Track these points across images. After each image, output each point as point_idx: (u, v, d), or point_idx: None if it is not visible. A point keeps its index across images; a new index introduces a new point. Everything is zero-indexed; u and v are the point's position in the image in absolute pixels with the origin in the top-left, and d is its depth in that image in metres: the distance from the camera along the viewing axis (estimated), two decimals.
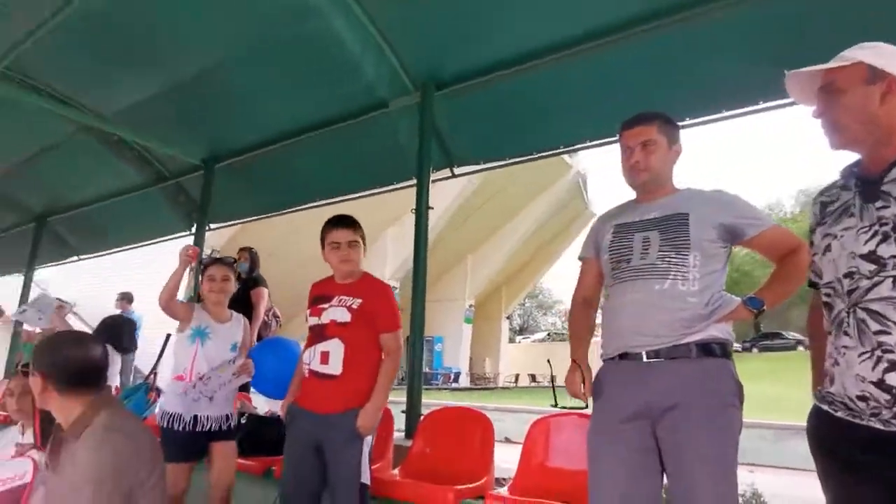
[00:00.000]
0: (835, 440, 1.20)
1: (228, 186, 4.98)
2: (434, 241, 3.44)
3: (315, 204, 4.74)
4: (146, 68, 4.09)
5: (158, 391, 3.98)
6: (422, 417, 2.95)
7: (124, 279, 9.93)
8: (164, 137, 4.82)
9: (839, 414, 1.18)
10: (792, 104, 2.63)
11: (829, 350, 1.25)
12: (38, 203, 6.80)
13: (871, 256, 1.14)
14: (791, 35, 2.59)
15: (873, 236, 1.15)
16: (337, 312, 2.22)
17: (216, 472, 2.52)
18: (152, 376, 3.94)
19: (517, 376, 26.96)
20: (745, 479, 1.54)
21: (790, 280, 1.58)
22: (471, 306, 25.21)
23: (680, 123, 1.81)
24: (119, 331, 3.77)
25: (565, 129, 3.56)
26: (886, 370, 1.09)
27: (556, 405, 1.90)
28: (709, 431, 1.45)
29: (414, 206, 3.41)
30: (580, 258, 1.89)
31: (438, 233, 16.11)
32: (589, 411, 1.70)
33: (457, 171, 4.00)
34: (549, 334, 46.86)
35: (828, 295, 1.26)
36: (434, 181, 3.55)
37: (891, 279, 1.11)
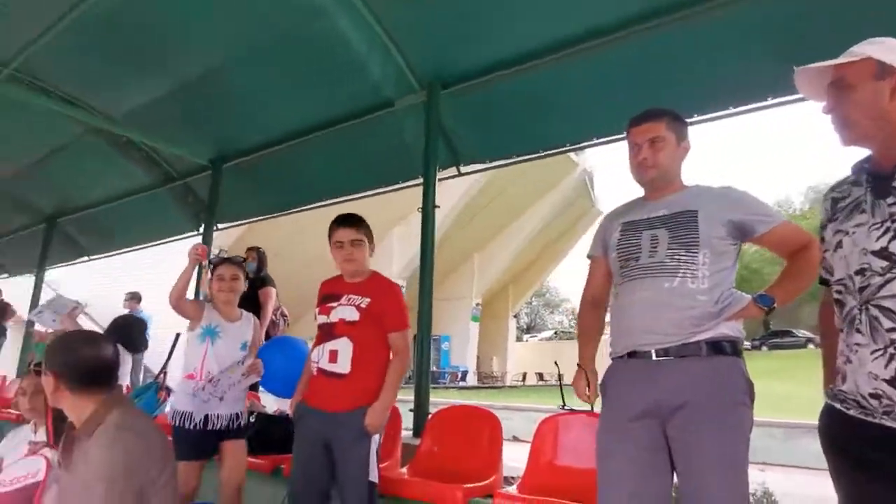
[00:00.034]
0: (847, 438, 1.19)
1: (236, 186, 5.01)
2: (440, 240, 3.44)
3: (322, 203, 4.76)
4: (154, 69, 4.12)
5: (168, 390, 4.02)
6: (430, 416, 2.96)
7: (134, 279, 10.00)
8: (172, 138, 4.85)
9: (851, 412, 1.17)
10: (801, 100, 2.63)
11: (841, 348, 1.24)
12: (48, 204, 6.87)
13: (883, 253, 1.13)
14: (799, 31, 2.57)
15: (885, 233, 1.13)
16: (346, 311, 2.23)
17: (226, 470, 2.54)
18: (162, 375, 3.97)
19: (525, 375, 26.92)
20: (756, 478, 1.52)
21: (801, 277, 1.57)
22: (478, 305, 25.19)
23: (688, 120, 1.79)
24: (130, 330, 3.80)
25: (572, 127, 3.55)
26: None
27: (563, 406, 1.90)
28: (719, 430, 1.44)
29: (420, 206, 3.41)
30: (588, 257, 1.88)
31: (445, 231, 16.09)
32: (598, 410, 1.70)
33: (463, 169, 4.00)
34: (556, 333, 46.74)
35: (839, 292, 1.24)
36: (440, 180, 3.55)
37: None
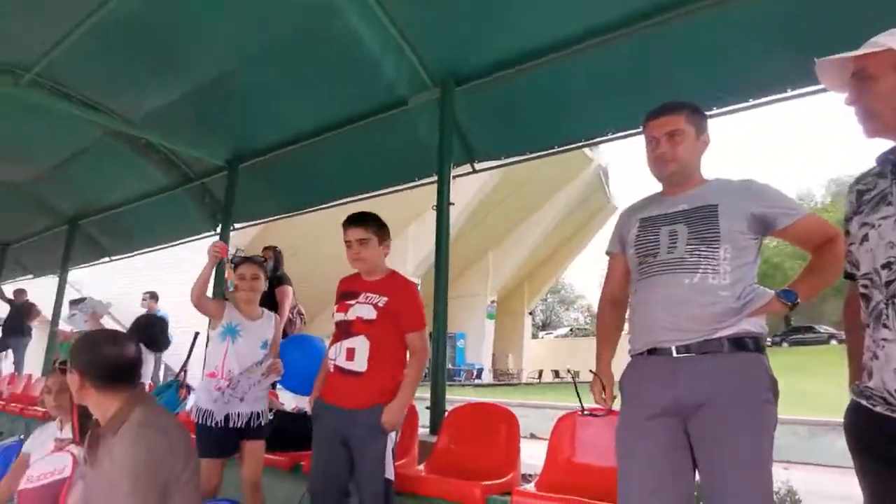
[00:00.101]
0: (872, 435, 1.17)
1: (252, 186, 5.06)
2: (455, 238, 3.43)
3: (337, 202, 4.78)
4: (171, 72, 4.18)
5: (189, 388, 4.08)
6: (446, 413, 2.96)
7: (154, 279, 10.15)
8: (190, 140, 4.92)
9: (878, 409, 1.15)
10: (821, 91, 2.58)
11: (867, 343, 1.21)
12: (70, 206, 7.01)
13: None
14: (820, 21, 2.51)
15: None
16: (363, 310, 2.23)
17: (244, 469, 2.57)
18: (182, 373, 4.03)
19: (541, 372, 26.82)
20: (780, 476, 1.50)
21: (826, 271, 1.53)
22: (493, 302, 25.14)
23: (706, 114, 1.76)
24: (152, 329, 3.86)
25: (587, 122, 3.53)
26: None
27: (583, 412, 1.89)
28: (742, 427, 1.42)
29: (435, 203, 3.41)
30: (607, 253, 1.86)
31: (459, 229, 16.09)
32: (617, 407, 1.68)
33: (478, 166, 4.00)
34: (571, 329, 46.46)
35: (865, 286, 1.22)
36: (455, 177, 3.55)
37: None
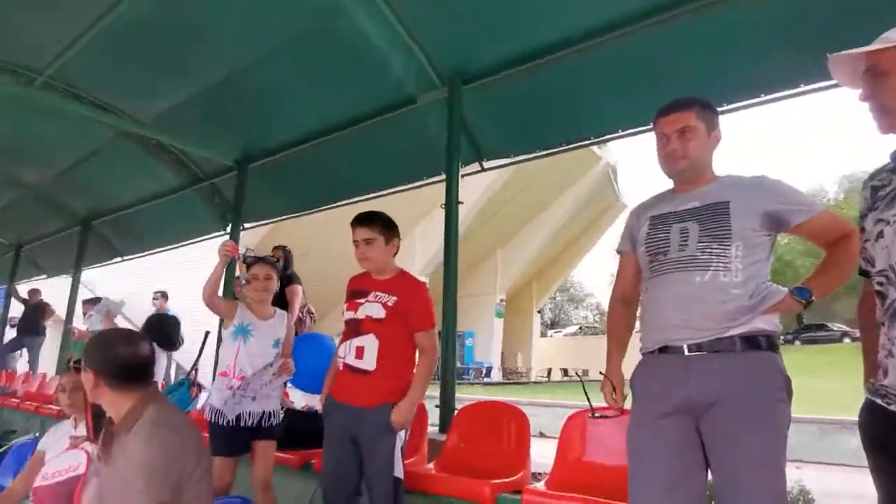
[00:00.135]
0: (888, 434, 1.15)
1: (261, 186, 5.09)
2: (463, 236, 3.43)
3: (346, 202, 4.80)
4: (180, 73, 4.21)
5: (200, 386, 4.11)
6: (456, 412, 2.96)
7: (164, 279, 10.25)
8: (199, 140, 4.96)
9: (893, 407, 1.14)
10: (834, 87, 2.54)
11: (882, 341, 1.19)
12: (83, 207, 7.10)
13: None
14: (832, 16, 2.48)
15: None
16: (373, 308, 2.24)
17: (255, 468, 2.59)
18: (194, 372, 4.07)
19: (549, 371, 26.76)
20: (792, 475, 1.48)
21: (840, 268, 1.51)
22: (501, 301, 25.12)
23: (718, 109, 1.74)
24: (165, 329, 3.90)
25: (595, 120, 3.51)
26: None
27: (593, 413, 1.88)
28: (755, 426, 1.40)
29: (443, 202, 3.41)
30: (617, 252, 1.85)
31: (467, 227, 16.09)
32: (628, 406, 1.68)
33: (486, 164, 3.99)
34: (580, 328, 46.31)
35: (881, 283, 1.20)
36: (463, 176, 3.55)
37: None
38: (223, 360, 2.64)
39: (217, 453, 2.52)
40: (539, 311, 32.31)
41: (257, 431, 2.58)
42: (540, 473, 2.61)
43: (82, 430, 2.35)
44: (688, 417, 1.49)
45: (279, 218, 5.68)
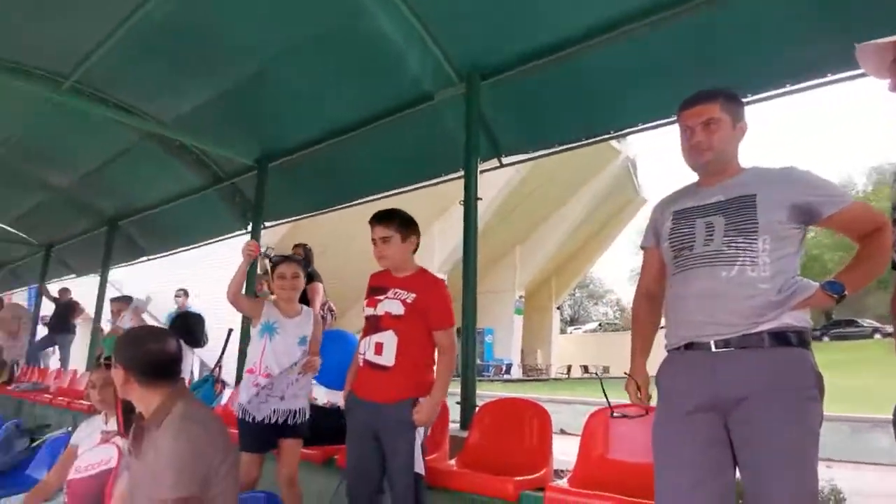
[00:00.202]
0: None
1: (281, 185, 5.15)
2: (482, 232, 3.42)
3: (365, 200, 4.82)
4: (201, 74, 4.28)
5: (224, 383, 4.18)
6: (477, 408, 2.96)
7: (189, 276, 10.43)
8: (220, 140, 5.03)
9: None
10: (862, 76, 2.47)
11: None
12: (109, 207, 7.26)
13: None
14: (861, 4, 2.41)
15: None
16: (392, 305, 2.25)
17: (281, 465, 2.62)
18: (218, 369, 4.14)
19: (569, 367, 26.59)
20: (824, 474, 1.44)
21: (873, 261, 1.47)
22: (521, 297, 25.02)
23: (743, 100, 1.70)
24: (191, 326, 3.97)
25: (616, 113, 3.47)
26: None
27: (612, 412, 1.87)
28: (785, 424, 1.37)
29: (462, 198, 3.40)
30: (641, 247, 1.82)
31: (486, 223, 16.04)
32: (652, 404, 1.65)
33: (504, 160, 3.97)
34: (600, 324, 45.90)
35: None
36: (481, 172, 3.53)
37: None
38: (250, 358, 2.68)
39: (244, 449, 2.56)
40: (558, 308, 32.11)
41: (284, 429, 2.61)
42: (562, 471, 2.59)
43: (113, 425, 2.41)
44: (715, 414, 1.46)
45: (299, 216, 5.73)
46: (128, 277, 10.52)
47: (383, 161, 4.52)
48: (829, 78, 2.67)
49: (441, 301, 2.27)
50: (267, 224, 5.41)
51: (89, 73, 4.36)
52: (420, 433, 2.19)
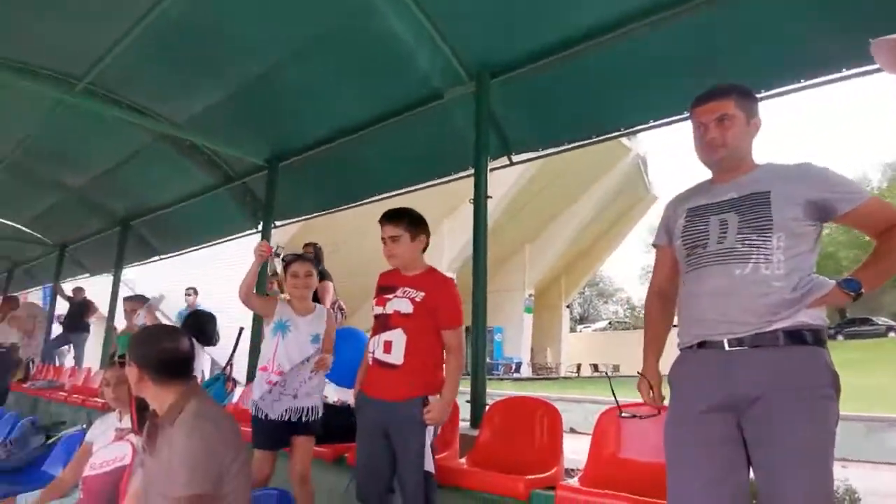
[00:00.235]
0: None
1: (291, 184, 5.17)
2: (491, 230, 3.41)
3: (374, 199, 4.83)
4: (212, 75, 4.31)
5: (235, 381, 4.21)
6: (487, 407, 2.96)
7: (200, 276, 10.52)
8: (231, 140, 5.06)
9: None
10: (877, 71, 2.43)
11: None
12: (122, 208, 7.35)
13: None
14: None
15: None
16: (401, 304, 2.25)
17: (293, 462, 2.63)
18: (229, 367, 4.17)
19: (579, 366, 26.51)
20: (839, 474, 1.42)
21: (891, 258, 1.44)
22: (530, 296, 24.96)
23: (757, 96, 1.68)
24: (204, 325, 4.00)
25: (627, 110, 3.44)
26: None
27: (621, 412, 1.86)
28: (800, 423, 1.35)
29: (472, 196, 3.40)
30: (653, 245, 1.81)
31: (495, 221, 16.00)
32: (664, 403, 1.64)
33: (514, 158, 3.95)
34: (610, 323, 45.70)
35: None
36: (491, 170, 3.52)
37: None
38: (263, 356, 2.70)
39: (257, 446, 2.58)
40: (568, 306, 32.00)
41: (297, 427, 2.62)
42: (573, 470, 2.58)
43: (127, 423, 2.44)
44: (729, 414, 1.45)
45: (309, 216, 5.76)
46: (140, 277, 10.63)
47: (393, 160, 4.52)
48: (844, 73, 2.63)
49: (450, 300, 2.27)
50: (277, 223, 5.44)
51: (102, 75, 4.41)
52: (430, 432, 2.19)
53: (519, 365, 24.06)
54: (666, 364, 1.65)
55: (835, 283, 1.43)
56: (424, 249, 2.39)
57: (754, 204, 1.50)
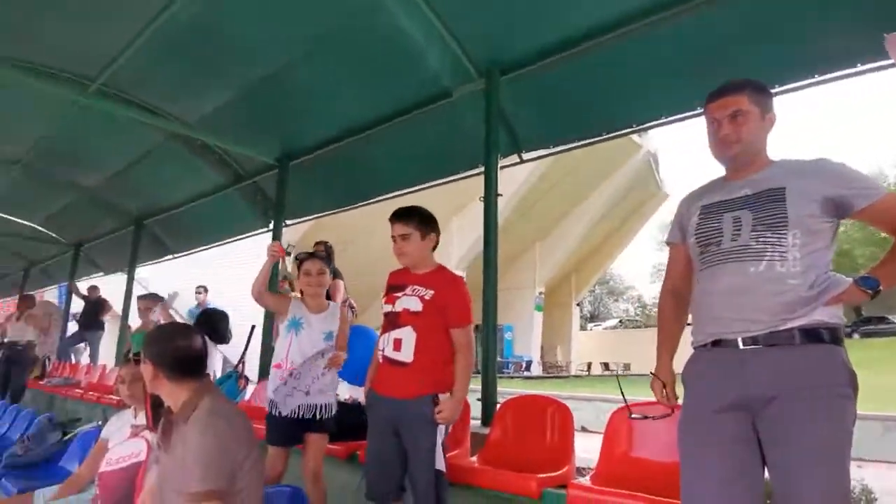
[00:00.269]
0: None
1: (302, 183, 5.19)
2: (501, 228, 3.40)
3: (384, 197, 4.84)
4: (223, 74, 4.34)
5: (247, 379, 4.24)
6: (498, 405, 2.95)
7: (210, 275, 10.61)
8: (241, 139, 5.09)
9: None
10: (892, 66, 2.39)
11: None
12: (135, 207, 7.42)
13: None
14: None
15: None
16: (410, 301, 2.25)
17: (306, 460, 2.65)
18: (241, 365, 4.21)
19: (589, 365, 26.39)
20: (854, 474, 1.40)
21: None
22: (540, 294, 24.89)
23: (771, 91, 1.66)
24: (216, 323, 4.03)
25: (638, 107, 3.41)
26: None
27: (630, 413, 1.85)
28: (816, 423, 1.34)
29: (482, 195, 3.39)
30: (667, 243, 1.79)
31: (505, 219, 15.93)
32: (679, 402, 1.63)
33: (525, 156, 3.94)
34: (621, 321, 45.44)
35: None
36: (502, 168, 3.51)
37: None
38: (277, 353, 2.72)
39: (271, 443, 2.61)
40: (578, 305, 31.86)
41: (310, 424, 2.63)
42: (584, 469, 2.57)
43: (142, 420, 2.47)
44: (742, 413, 1.44)
45: (320, 214, 5.78)
46: (153, 275, 10.75)
47: (402, 158, 4.52)
48: (859, 68, 2.60)
49: (459, 298, 2.27)
50: (288, 222, 5.47)
51: (115, 76, 4.45)
52: (441, 430, 2.19)
53: (529, 363, 24.00)
54: (679, 363, 1.63)
55: (852, 280, 1.41)
56: (434, 248, 2.39)
57: (769, 201, 1.48)
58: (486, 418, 3.02)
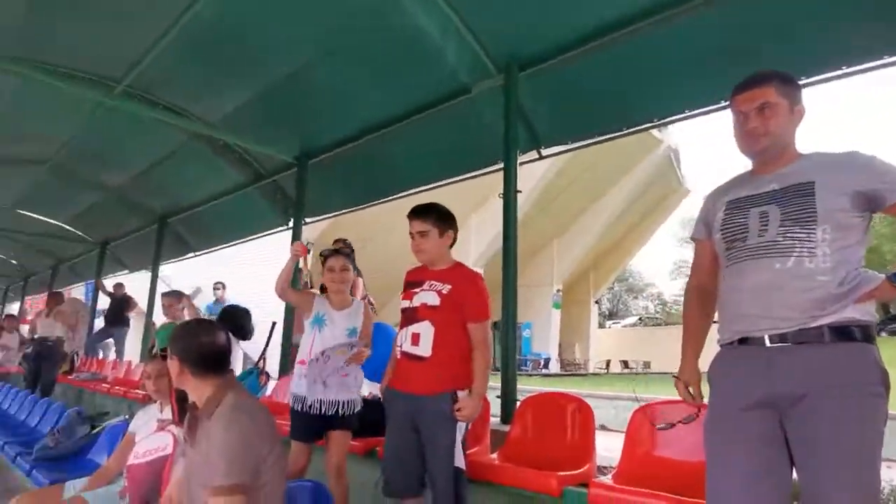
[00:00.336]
0: None
1: (321, 181, 5.23)
2: (520, 225, 3.39)
3: (403, 194, 4.85)
4: (244, 74, 4.39)
5: (268, 375, 4.30)
6: (518, 403, 2.94)
7: (229, 272, 10.76)
8: (262, 139, 5.15)
9: None
10: None
11: None
12: (159, 206, 7.57)
13: None
14: None
15: None
16: (428, 296, 2.26)
17: (329, 455, 2.67)
18: (262, 361, 4.27)
19: (608, 362, 26.14)
20: (884, 474, 1.36)
21: None
22: (559, 291, 24.72)
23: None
24: (239, 320, 4.09)
25: (659, 101, 3.36)
26: None
27: (658, 427, 1.82)
28: (846, 422, 1.30)
29: (501, 191, 3.37)
30: (692, 239, 1.76)
31: (524, 215, 15.72)
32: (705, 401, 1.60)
33: (544, 152, 3.91)
34: (640, 319, 44.85)
35: None
36: (521, 164, 3.49)
37: None
38: (302, 349, 2.75)
39: (294, 437, 2.64)
40: (597, 302, 31.58)
41: (333, 420, 2.64)
42: (605, 467, 2.55)
43: (168, 414, 2.52)
44: (771, 412, 1.41)
45: (339, 212, 5.81)
46: (176, 273, 10.95)
47: (421, 155, 4.53)
48: (886, 60, 2.54)
49: (477, 294, 2.27)
50: (307, 220, 5.51)
51: (140, 78, 4.54)
52: (461, 428, 2.18)
53: (547, 361, 23.88)
54: (705, 361, 1.60)
55: (885, 276, 1.37)
56: (452, 245, 2.40)
57: (796, 195, 1.44)
58: (507, 416, 3.01)
